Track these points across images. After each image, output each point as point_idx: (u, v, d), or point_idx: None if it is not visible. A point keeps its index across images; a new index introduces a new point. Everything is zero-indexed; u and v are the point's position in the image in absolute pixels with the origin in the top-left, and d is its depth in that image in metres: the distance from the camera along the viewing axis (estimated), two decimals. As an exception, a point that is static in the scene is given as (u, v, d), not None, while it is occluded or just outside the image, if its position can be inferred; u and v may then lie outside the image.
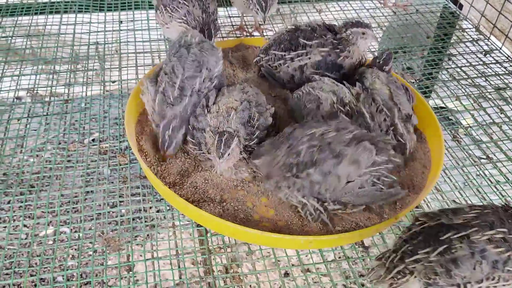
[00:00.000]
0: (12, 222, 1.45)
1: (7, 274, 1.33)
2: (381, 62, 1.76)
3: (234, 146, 1.40)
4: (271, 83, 1.90)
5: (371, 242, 1.54)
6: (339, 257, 1.54)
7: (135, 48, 2.22)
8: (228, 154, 1.40)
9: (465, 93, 2.11)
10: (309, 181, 1.37)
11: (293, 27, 1.84)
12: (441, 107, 2.12)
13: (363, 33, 1.71)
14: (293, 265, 1.51)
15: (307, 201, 1.39)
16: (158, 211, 1.52)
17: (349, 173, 1.38)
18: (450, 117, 2.06)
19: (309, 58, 1.76)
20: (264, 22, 2.06)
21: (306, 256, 1.51)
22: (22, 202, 1.50)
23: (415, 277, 1.13)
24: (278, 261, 1.41)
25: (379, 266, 1.19)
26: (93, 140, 1.75)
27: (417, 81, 2.22)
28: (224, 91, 1.60)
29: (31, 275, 1.52)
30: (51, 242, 1.54)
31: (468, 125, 1.97)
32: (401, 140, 1.59)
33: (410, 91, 1.74)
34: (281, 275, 1.37)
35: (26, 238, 1.48)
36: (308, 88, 1.66)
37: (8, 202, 1.49)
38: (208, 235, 1.45)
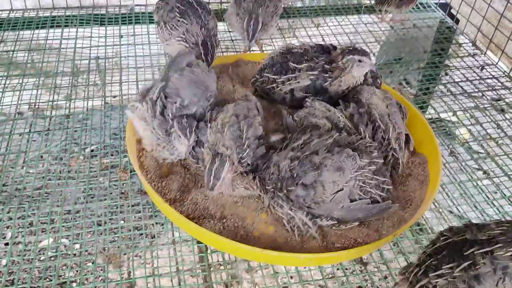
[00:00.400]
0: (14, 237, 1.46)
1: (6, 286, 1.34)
2: (369, 82, 1.79)
3: (225, 174, 1.41)
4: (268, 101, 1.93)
5: (370, 257, 1.56)
6: (338, 269, 1.55)
7: (135, 63, 2.24)
8: (219, 185, 1.41)
9: (462, 108, 2.13)
10: (295, 195, 1.39)
11: (285, 49, 1.86)
12: (439, 119, 2.14)
13: (360, 61, 1.70)
14: (291, 277, 1.52)
15: (294, 214, 1.40)
16: (159, 227, 1.53)
17: (335, 181, 1.39)
18: (447, 130, 2.08)
19: (298, 82, 1.77)
20: (249, 49, 2.08)
21: (305, 268, 1.52)
22: (24, 218, 1.51)
23: None
24: (277, 273, 1.42)
25: (403, 280, 1.21)
26: (94, 155, 1.76)
27: (414, 96, 2.25)
28: (226, 107, 1.61)
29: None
30: (52, 259, 1.55)
31: (465, 140, 1.99)
32: (395, 154, 1.61)
33: (403, 108, 1.77)
34: (281, 292, 1.38)
35: (26, 254, 1.49)
36: (304, 113, 1.68)
37: (9, 217, 1.50)
38: (208, 251, 1.47)
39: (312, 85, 1.76)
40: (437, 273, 1.14)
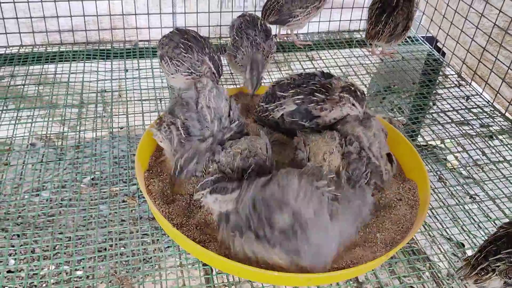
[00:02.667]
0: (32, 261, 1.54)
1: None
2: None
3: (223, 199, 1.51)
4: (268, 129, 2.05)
5: (366, 280, 1.65)
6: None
7: (140, 95, 2.37)
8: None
9: (449, 136, 2.27)
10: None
11: (275, 82, 2.01)
12: (427, 147, 2.26)
13: (353, 105, 1.81)
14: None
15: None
16: (166, 251, 1.63)
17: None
18: (436, 157, 2.21)
19: (284, 108, 1.91)
20: (252, 97, 2.20)
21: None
22: (38, 243, 1.60)
23: (497, 275, 1.33)
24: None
25: (466, 265, 1.40)
26: (105, 183, 1.86)
27: (404, 125, 2.38)
28: (243, 140, 1.74)
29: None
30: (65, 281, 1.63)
31: (452, 167, 2.11)
32: (374, 161, 1.73)
33: (384, 129, 1.89)
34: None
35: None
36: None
37: (24, 244, 1.59)
38: (214, 273, 1.56)
39: (297, 110, 1.89)
40: (496, 257, 1.34)
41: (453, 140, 2.24)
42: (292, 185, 1.42)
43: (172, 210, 1.68)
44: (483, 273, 1.35)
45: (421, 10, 3.04)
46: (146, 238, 1.65)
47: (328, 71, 2.56)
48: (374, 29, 2.54)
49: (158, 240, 1.65)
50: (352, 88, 1.82)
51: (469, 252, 1.71)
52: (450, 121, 2.37)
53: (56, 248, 1.61)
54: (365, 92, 2.62)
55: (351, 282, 1.60)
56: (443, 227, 1.83)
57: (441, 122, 2.37)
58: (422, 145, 2.24)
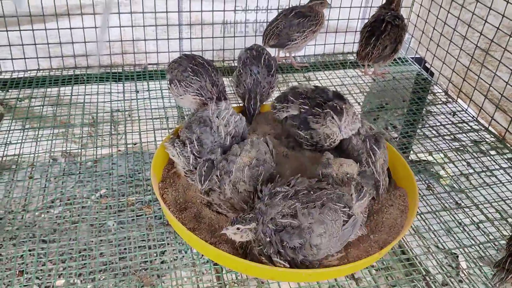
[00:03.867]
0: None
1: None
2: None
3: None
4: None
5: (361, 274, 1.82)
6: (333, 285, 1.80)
7: (151, 114, 2.56)
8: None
9: (436, 149, 2.46)
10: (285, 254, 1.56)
11: (292, 87, 2.22)
12: (420, 161, 2.45)
13: (332, 117, 1.95)
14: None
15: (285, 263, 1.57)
16: (180, 253, 1.80)
17: (321, 234, 1.55)
18: (425, 168, 2.40)
19: (288, 111, 2.12)
20: (251, 123, 2.32)
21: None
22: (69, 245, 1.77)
23: None
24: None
25: (499, 270, 1.51)
26: (122, 194, 2.04)
27: (395, 139, 2.57)
28: (249, 146, 1.89)
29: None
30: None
31: (440, 176, 2.30)
32: (377, 177, 1.92)
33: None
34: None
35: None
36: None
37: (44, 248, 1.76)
38: (224, 271, 1.73)
39: (298, 116, 2.09)
40: None
41: (439, 153, 2.44)
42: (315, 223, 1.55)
43: (184, 216, 1.86)
44: None
45: (410, 33, 3.27)
46: (161, 242, 1.82)
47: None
48: (364, 50, 2.76)
49: (173, 243, 1.82)
50: (334, 104, 1.98)
51: (460, 257, 1.88)
52: (437, 135, 2.57)
53: (83, 250, 1.78)
54: (359, 110, 2.85)
55: (348, 279, 1.77)
56: (430, 230, 2.00)
57: (429, 136, 2.57)
58: (415, 160, 2.43)
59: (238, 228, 1.58)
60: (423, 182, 2.27)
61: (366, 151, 1.98)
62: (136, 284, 1.66)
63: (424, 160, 2.44)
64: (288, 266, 1.57)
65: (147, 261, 1.74)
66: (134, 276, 1.68)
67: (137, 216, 1.93)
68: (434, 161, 2.46)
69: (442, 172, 2.35)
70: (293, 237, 1.52)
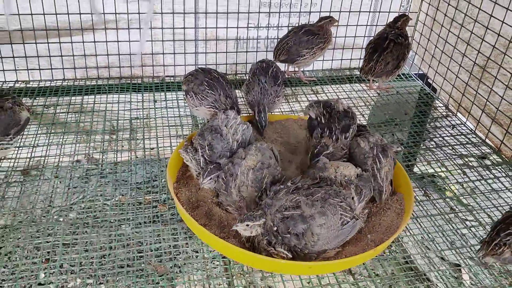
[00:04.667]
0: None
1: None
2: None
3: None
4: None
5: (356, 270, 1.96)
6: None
7: (168, 122, 2.75)
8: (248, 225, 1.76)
9: (434, 159, 2.60)
10: (288, 241, 1.71)
11: (333, 101, 2.34)
12: (423, 174, 2.59)
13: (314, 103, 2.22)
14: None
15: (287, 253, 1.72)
16: (192, 246, 1.97)
17: (321, 224, 1.70)
18: (423, 176, 2.54)
19: (312, 112, 2.29)
20: (262, 135, 2.47)
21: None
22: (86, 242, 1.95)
23: (508, 248, 1.67)
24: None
25: (482, 245, 1.75)
26: (140, 194, 2.22)
27: (401, 152, 2.72)
28: (255, 150, 2.04)
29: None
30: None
31: (436, 185, 2.45)
32: (380, 183, 2.06)
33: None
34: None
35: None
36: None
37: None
38: (231, 264, 1.89)
39: (309, 120, 2.28)
40: (506, 232, 1.69)
41: (437, 162, 2.58)
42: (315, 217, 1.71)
43: (196, 213, 2.02)
44: (497, 248, 1.68)
45: (414, 50, 3.44)
46: (175, 236, 1.98)
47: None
48: (367, 65, 2.93)
49: (185, 238, 1.99)
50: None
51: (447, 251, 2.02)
52: (436, 146, 2.71)
53: (108, 242, 1.96)
54: (364, 123, 3.00)
55: (346, 274, 1.91)
56: (425, 231, 2.13)
57: (430, 147, 2.72)
58: (418, 174, 2.57)
59: (247, 225, 1.74)
60: (420, 189, 2.41)
61: (372, 157, 2.12)
62: (152, 273, 1.82)
63: (431, 174, 2.58)
64: (291, 256, 1.72)
65: (161, 252, 1.90)
66: (149, 265, 1.84)
67: (153, 213, 2.10)
68: (437, 173, 2.60)
69: (440, 181, 2.48)
70: (298, 223, 1.68)
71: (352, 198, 1.86)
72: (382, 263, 1.97)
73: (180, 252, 1.96)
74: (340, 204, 1.78)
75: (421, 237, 2.12)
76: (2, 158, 2.31)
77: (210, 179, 1.99)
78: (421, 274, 1.96)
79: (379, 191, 2.08)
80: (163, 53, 3.19)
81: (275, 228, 1.70)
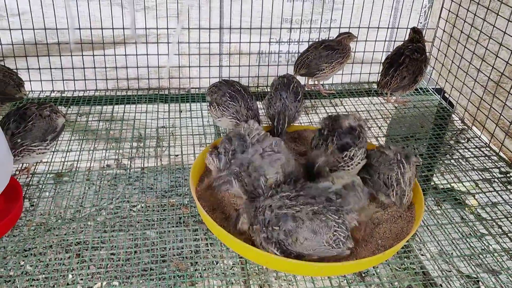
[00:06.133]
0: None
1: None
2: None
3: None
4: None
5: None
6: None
7: (192, 131, 2.90)
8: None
9: (447, 170, 2.69)
10: (276, 234, 1.82)
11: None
12: (443, 189, 2.66)
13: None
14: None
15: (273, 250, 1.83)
16: (211, 246, 2.10)
17: (308, 238, 1.78)
18: (436, 187, 2.63)
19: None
20: (279, 134, 2.57)
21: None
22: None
23: None
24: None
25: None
26: (165, 197, 2.37)
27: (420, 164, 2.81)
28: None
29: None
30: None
31: (455, 198, 2.54)
32: (403, 188, 2.16)
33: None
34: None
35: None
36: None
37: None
38: (247, 263, 2.02)
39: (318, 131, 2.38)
40: None
41: (451, 174, 2.66)
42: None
43: (216, 215, 2.15)
44: None
45: (431, 65, 3.53)
46: (196, 236, 2.12)
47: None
48: (384, 80, 3.04)
49: (205, 238, 2.12)
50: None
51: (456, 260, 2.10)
52: (451, 158, 2.79)
53: (135, 246, 2.11)
54: (381, 135, 3.10)
55: (356, 276, 2.02)
56: (435, 240, 2.22)
57: (446, 160, 2.80)
58: (435, 186, 2.66)
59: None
60: (433, 199, 2.49)
61: (397, 162, 2.21)
62: (173, 269, 1.96)
63: (446, 188, 2.65)
64: (278, 253, 1.83)
65: (183, 251, 2.04)
66: (171, 263, 1.98)
67: (176, 214, 2.25)
68: (451, 187, 2.68)
69: (474, 202, 2.56)
70: (288, 220, 1.79)
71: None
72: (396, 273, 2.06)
73: (200, 252, 2.09)
74: (337, 222, 1.85)
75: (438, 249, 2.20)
76: (39, 161, 2.50)
77: (223, 182, 2.11)
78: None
79: (401, 195, 2.18)
80: (189, 66, 3.36)
81: (268, 220, 1.81)
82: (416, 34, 3.17)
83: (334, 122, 2.35)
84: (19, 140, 2.24)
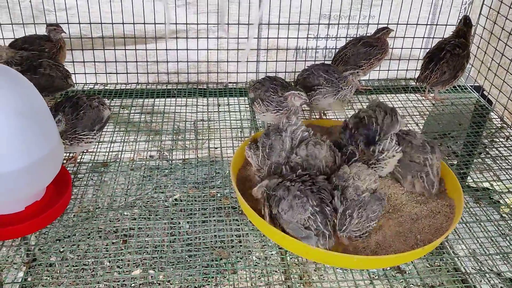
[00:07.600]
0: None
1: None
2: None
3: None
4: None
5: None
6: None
7: (230, 124, 2.97)
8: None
9: (486, 168, 2.67)
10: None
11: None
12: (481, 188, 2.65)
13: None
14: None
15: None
16: (251, 236, 2.16)
17: (285, 211, 1.93)
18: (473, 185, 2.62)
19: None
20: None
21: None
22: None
23: None
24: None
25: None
26: (205, 187, 2.44)
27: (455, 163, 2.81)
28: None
29: None
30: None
31: (487, 192, 2.53)
32: (432, 179, 2.21)
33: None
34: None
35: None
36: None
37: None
38: (287, 254, 2.07)
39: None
40: None
41: (490, 172, 2.65)
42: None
43: (255, 207, 2.21)
44: None
45: (470, 63, 3.50)
46: (237, 227, 2.18)
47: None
48: (424, 74, 3.05)
49: (245, 229, 2.18)
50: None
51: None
52: (489, 156, 2.78)
53: (171, 230, 2.19)
54: (418, 131, 3.10)
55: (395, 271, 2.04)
56: (474, 237, 2.23)
57: (484, 158, 2.79)
58: (474, 188, 2.64)
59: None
60: (471, 196, 2.49)
61: (425, 153, 2.24)
62: (215, 257, 2.03)
63: (484, 186, 2.64)
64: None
65: (224, 240, 2.10)
66: (214, 251, 2.05)
67: (217, 205, 2.31)
68: (491, 185, 2.66)
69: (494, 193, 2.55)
70: (280, 188, 1.95)
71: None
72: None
73: (241, 241, 2.15)
74: (315, 209, 1.90)
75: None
76: (86, 150, 2.60)
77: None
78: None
79: (430, 185, 2.21)
80: (227, 61, 3.42)
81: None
82: (465, 27, 3.14)
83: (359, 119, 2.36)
84: (70, 128, 2.34)
